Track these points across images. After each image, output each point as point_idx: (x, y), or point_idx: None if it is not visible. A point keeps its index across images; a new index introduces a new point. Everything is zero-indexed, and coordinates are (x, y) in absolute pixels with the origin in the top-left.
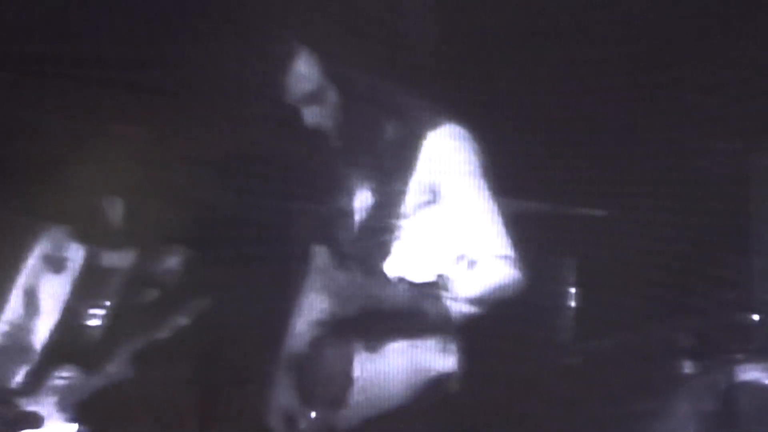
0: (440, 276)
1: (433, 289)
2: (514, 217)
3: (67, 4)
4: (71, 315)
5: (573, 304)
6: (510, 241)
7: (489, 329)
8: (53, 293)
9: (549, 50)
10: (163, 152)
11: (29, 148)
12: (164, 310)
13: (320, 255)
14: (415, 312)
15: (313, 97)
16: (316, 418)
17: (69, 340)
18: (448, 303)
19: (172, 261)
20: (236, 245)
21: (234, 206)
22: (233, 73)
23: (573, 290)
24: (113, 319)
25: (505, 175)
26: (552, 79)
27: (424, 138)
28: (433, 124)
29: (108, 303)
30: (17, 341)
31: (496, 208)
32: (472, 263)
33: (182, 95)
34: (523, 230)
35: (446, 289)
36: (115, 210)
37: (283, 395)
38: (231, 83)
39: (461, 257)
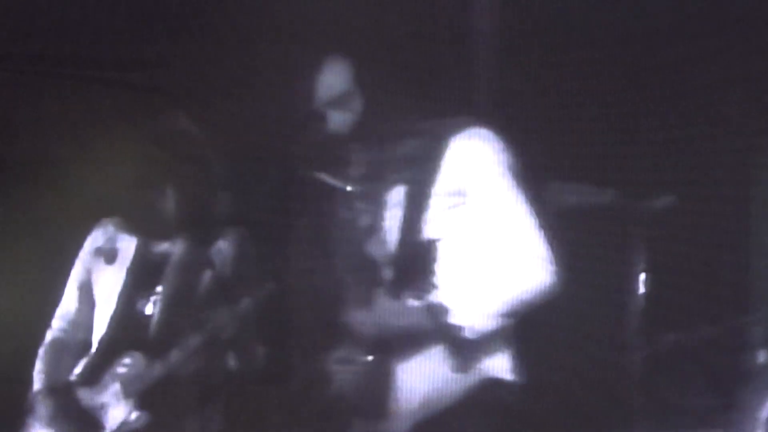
0: (476, 279)
1: (471, 292)
2: (557, 212)
3: (67, 4)
4: (126, 304)
5: (627, 299)
6: (548, 239)
7: (539, 329)
8: (107, 284)
9: (581, 47)
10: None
11: (29, 148)
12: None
13: (353, 261)
14: (452, 316)
15: (339, 102)
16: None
17: (126, 330)
18: (487, 306)
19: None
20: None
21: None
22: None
23: (626, 286)
24: (169, 306)
25: (544, 169)
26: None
27: (452, 141)
28: (460, 128)
29: (161, 290)
30: (76, 334)
31: (528, 207)
32: (507, 263)
33: (190, 95)
34: (566, 225)
35: (484, 292)
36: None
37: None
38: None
39: (496, 257)
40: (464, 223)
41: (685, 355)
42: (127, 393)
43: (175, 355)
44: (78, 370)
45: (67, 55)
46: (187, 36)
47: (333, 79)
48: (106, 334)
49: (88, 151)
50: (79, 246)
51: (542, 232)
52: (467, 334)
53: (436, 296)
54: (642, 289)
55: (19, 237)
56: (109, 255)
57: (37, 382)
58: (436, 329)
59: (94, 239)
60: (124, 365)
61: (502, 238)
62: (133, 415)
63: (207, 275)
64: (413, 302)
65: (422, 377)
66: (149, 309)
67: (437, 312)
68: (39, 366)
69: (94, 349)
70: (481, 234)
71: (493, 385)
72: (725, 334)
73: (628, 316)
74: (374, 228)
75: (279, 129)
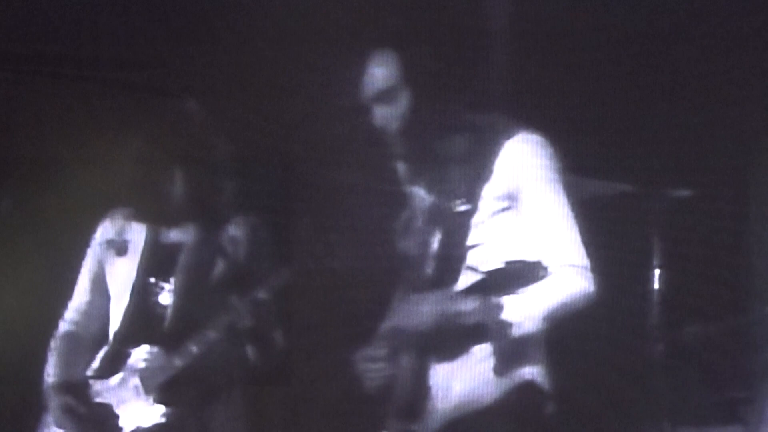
0: (518, 284)
1: (511, 296)
2: (593, 209)
3: (67, 4)
4: (140, 296)
5: (656, 298)
6: (588, 247)
7: (570, 333)
8: (120, 276)
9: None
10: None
11: (29, 148)
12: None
13: (396, 261)
14: (492, 319)
15: (386, 98)
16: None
17: (140, 322)
18: (526, 310)
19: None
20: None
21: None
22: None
23: (655, 290)
24: (183, 296)
25: (581, 158)
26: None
27: (501, 144)
28: (509, 131)
29: (175, 280)
30: (90, 328)
31: (573, 214)
32: (549, 271)
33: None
34: (603, 221)
35: (524, 296)
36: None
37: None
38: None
39: (540, 265)
40: (510, 227)
41: (708, 349)
42: (147, 387)
43: (193, 347)
44: (94, 364)
45: (67, 55)
46: (187, 36)
47: (380, 73)
48: (122, 326)
49: (88, 151)
50: (78, 245)
51: (584, 241)
52: (508, 336)
53: (478, 297)
54: (663, 283)
55: (19, 237)
56: (120, 247)
57: (51, 378)
58: (478, 330)
59: (104, 231)
60: (142, 359)
61: (545, 244)
62: (153, 409)
63: (220, 264)
64: (454, 301)
65: (460, 377)
66: (164, 300)
67: (479, 312)
68: (53, 361)
69: (109, 343)
70: (525, 239)
71: (528, 389)
72: (746, 327)
73: (652, 312)
74: (419, 225)
75: (282, 128)
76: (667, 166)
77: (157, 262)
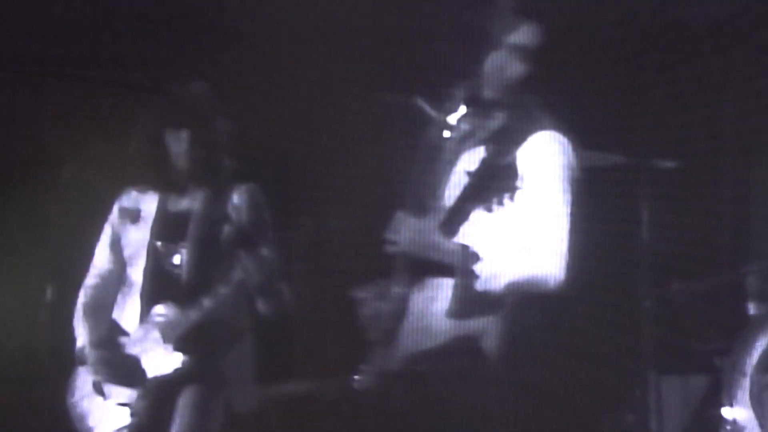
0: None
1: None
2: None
3: (67, 4)
4: (155, 258)
5: (643, 261)
6: (571, 242)
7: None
8: (134, 241)
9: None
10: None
11: (29, 148)
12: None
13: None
14: (465, 266)
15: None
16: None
17: (157, 281)
18: (496, 270)
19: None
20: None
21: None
22: None
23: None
24: (193, 257)
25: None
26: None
27: (527, 133)
28: (539, 125)
29: (184, 243)
30: (109, 291)
31: (570, 212)
32: (529, 251)
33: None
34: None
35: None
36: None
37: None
38: None
39: (526, 239)
40: (512, 203)
41: (691, 304)
42: (166, 338)
43: (205, 301)
44: (118, 321)
45: (67, 55)
46: (188, 36)
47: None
48: (141, 286)
49: (88, 151)
50: (78, 245)
51: (569, 235)
52: (472, 285)
53: (465, 247)
54: (649, 247)
55: (18, 237)
56: (133, 215)
57: (82, 337)
58: (449, 269)
59: (120, 203)
60: (160, 314)
61: (536, 225)
62: (173, 357)
63: (226, 227)
64: (441, 242)
65: (428, 313)
66: (176, 260)
67: (456, 254)
68: (81, 323)
69: (130, 302)
70: (521, 216)
71: (471, 346)
72: (724, 286)
73: (639, 272)
74: (425, 179)
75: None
76: (654, 138)
77: (168, 227)
